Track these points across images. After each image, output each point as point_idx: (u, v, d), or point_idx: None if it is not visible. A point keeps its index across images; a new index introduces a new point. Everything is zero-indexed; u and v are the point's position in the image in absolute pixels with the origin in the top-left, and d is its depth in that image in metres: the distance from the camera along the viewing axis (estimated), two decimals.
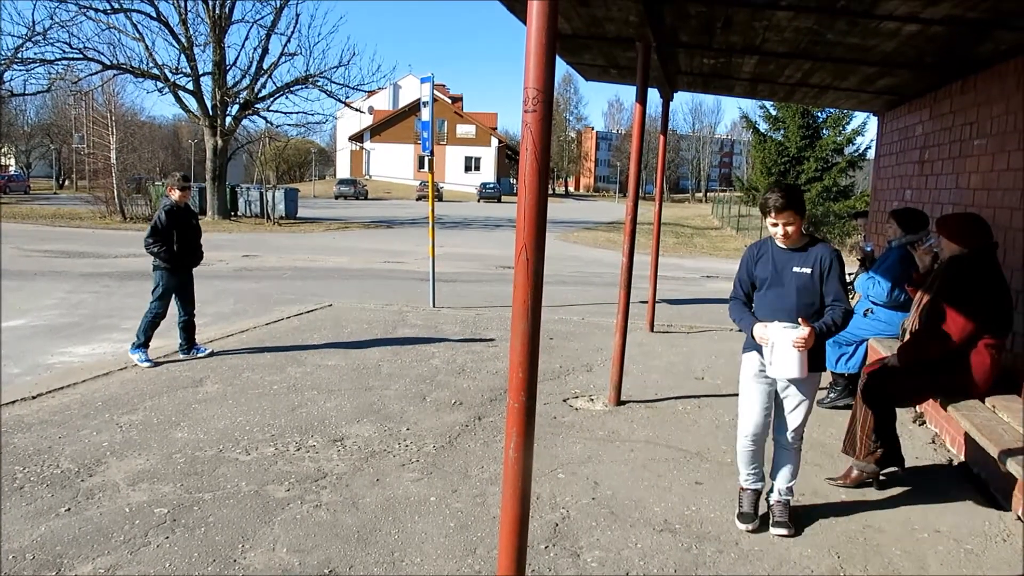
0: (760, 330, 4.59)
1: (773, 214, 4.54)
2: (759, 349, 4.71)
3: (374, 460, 5.91)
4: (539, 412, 6.96)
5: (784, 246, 4.68)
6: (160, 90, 36.37)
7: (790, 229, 4.55)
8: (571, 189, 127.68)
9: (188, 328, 9.00)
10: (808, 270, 4.59)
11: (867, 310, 7.37)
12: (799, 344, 4.40)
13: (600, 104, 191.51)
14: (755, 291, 4.84)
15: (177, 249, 8.73)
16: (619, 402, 7.64)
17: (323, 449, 6.10)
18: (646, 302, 11.68)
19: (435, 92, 12.86)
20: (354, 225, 38.79)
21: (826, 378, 7.99)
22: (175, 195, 8.83)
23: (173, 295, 8.84)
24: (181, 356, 8.91)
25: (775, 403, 4.94)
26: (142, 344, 8.61)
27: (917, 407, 7.34)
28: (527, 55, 2.68)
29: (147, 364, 8.49)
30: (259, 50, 37.67)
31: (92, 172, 40.73)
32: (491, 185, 77.76)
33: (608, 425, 7.00)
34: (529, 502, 3.06)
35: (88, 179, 43.90)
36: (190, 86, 36.59)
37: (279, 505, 5.03)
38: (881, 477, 5.64)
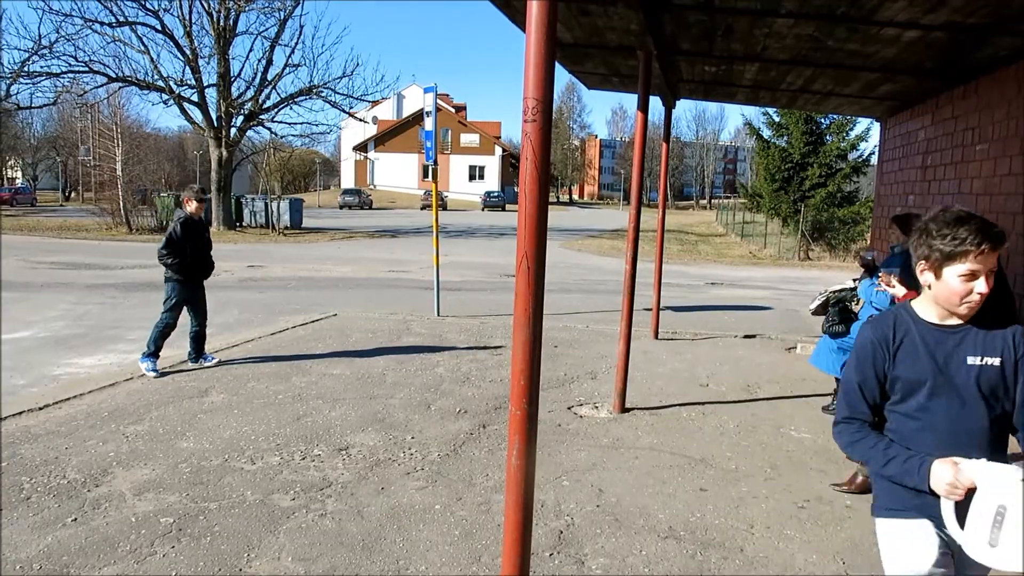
0: (965, 475, 2.52)
1: (986, 252, 2.59)
2: (930, 512, 2.69)
3: (379, 469, 5.92)
4: (544, 420, 6.98)
5: (950, 320, 2.75)
6: (165, 102, 36.41)
7: (991, 282, 2.64)
8: (575, 197, 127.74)
9: (199, 339, 9.04)
10: (996, 361, 2.69)
11: (871, 316, 7.37)
12: None
13: (604, 112, 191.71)
14: (892, 404, 2.83)
15: (190, 261, 8.78)
16: (623, 409, 7.64)
17: (328, 458, 6.12)
18: (650, 309, 11.71)
19: (439, 102, 12.91)
20: (359, 235, 38.82)
21: (831, 384, 8.01)
22: (191, 207, 8.88)
23: (184, 306, 8.88)
24: (189, 364, 8.94)
25: None
26: (152, 354, 8.63)
27: None
28: (526, 65, 2.71)
29: (154, 374, 8.52)
30: (263, 61, 37.75)
31: (98, 184, 41.00)
32: (495, 194, 77.66)
33: (612, 432, 7.01)
34: (532, 509, 3.07)
35: (94, 191, 44.13)
36: (195, 98, 36.64)
37: (284, 514, 5.05)
38: None
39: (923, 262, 2.71)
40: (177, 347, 9.14)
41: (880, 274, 6.26)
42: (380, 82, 55.42)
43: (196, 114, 37.35)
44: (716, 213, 73.63)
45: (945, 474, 2.52)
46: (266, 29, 38.20)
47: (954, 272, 2.61)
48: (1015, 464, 2.49)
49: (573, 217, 67.72)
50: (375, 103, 51.41)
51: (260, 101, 37.99)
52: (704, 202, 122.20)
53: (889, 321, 2.83)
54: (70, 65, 33.57)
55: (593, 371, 9.27)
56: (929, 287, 2.72)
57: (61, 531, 4.70)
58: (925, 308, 2.79)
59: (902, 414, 2.78)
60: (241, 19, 37.23)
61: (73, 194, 78.73)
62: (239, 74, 38.26)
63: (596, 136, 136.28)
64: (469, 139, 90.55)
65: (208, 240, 9.15)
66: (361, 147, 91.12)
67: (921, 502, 2.68)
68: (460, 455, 6.29)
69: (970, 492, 2.50)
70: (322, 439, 6.56)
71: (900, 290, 5.65)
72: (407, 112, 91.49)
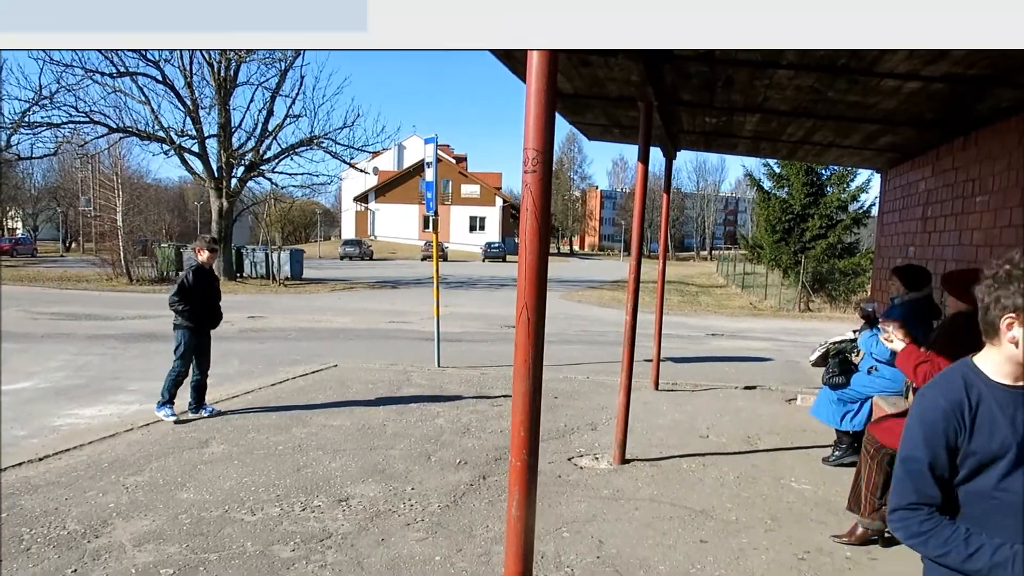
0: None
1: None
2: None
3: (379, 520, 5.89)
4: (544, 471, 6.95)
5: (1014, 380, 2.36)
6: (166, 152, 36.50)
7: None
8: (576, 248, 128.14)
9: (199, 388, 9.09)
10: None
11: (871, 367, 7.37)
12: None
13: (604, 163, 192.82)
14: (960, 482, 2.38)
15: (200, 310, 8.90)
16: (624, 460, 7.61)
17: (328, 509, 6.08)
18: (651, 360, 11.69)
19: (439, 152, 13.00)
20: (359, 285, 38.83)
21: (831, 435, 7.98)
22: (203, 256, 9.03)
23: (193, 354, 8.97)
24: (190, 415, 8.93)
25: None
26: (167, 401, 8.80)
27: None
28: (527, 115, 2.74)
29: (173, 419, 8.67)
30: (264, 112, 37.91)
31: (98, 234, 41.01)
32: (496, 245, 77.76)
33: (613, 483, 6.97)
34: (532, 560, 3.05)
35: (95, 241, 44.11)
36: (196, 148, 36.76)
37: (284, 565, 5.01)
38: (886, 534, 5.60)
39: (1012, 315, 2.26)
40: (177, 398, 9.11)
41: (880, 326, 6.21)
42: (381, 133, 55.56)
43: (197, 165, 37.49)
44: (717, 264, 73.79)
45: None
46: (267, 80, 38.40)
47: None
48: None
49: (574, 268, 67.83)
50: (376, 154, 51.73)
51: (261, 151, 38.14)
52: (705, 253, 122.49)
53: (958, 384, 2.39)
54: (71, 115, 33.69)
55: (593, 422, 9.24)
56: (1016, 343, 2.27)
57: None
58: (995, 367, 2.37)
59: (971, 493, 2.36)
60: (242, 70, 37.53)
61: (74, 244, 78.93)
62: (240, 124, 38.45)
63: (597, 187, 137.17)
64: (470, 190, 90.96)
65: (217, 290, 9.28)
66: (362, 198, 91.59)
67: None
68: (460, 506, 6.26)
69: None
70: (322, 490, 6.53)
71: (899, 344, 5.63)
72: (408, 163, 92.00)
